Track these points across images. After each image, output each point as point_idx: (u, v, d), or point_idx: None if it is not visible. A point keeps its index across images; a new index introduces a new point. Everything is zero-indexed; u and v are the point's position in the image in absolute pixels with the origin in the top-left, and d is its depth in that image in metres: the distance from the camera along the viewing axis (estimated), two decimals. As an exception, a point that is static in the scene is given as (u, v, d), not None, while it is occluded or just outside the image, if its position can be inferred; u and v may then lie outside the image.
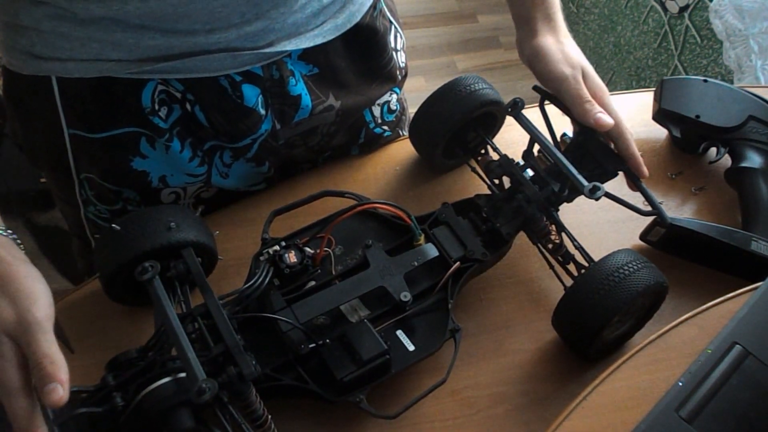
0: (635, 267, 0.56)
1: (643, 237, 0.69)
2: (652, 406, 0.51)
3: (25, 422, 0.44)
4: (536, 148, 0.67)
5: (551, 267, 0.64)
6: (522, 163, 0.67)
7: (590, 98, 0.65)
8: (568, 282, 0.60)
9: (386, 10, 0.78)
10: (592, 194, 0.60)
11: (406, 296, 0.58)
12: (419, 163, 0.77)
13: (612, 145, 0.68)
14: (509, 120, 0.71)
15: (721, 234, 0.65)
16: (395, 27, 0.80)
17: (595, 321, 0.56)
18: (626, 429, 0.50)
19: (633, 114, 0.82)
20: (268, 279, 0.57)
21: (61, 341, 0.50)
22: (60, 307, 0.65)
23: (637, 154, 0.66)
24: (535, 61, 0.69)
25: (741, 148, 0.73)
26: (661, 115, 0.77)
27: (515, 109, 0.67)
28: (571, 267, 0.63)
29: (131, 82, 0.63)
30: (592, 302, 0.56)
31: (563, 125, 0.72)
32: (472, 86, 0.69)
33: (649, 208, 0.65)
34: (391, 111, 0.83)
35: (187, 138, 0.68)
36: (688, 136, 0.76)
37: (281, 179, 0.77)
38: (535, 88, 0.71)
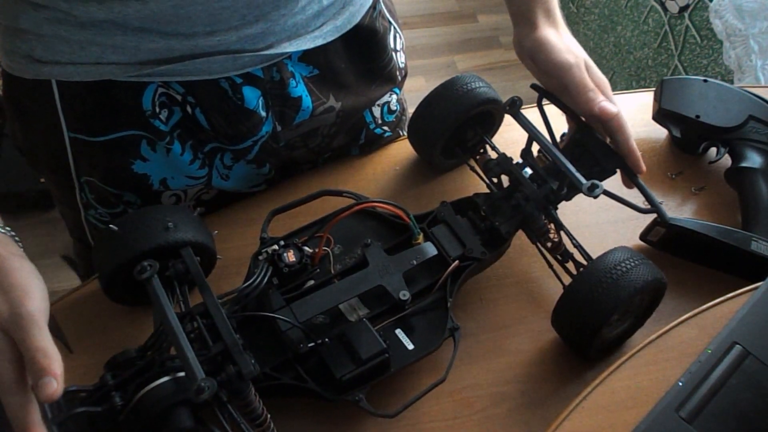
0: (632, 264, 0.56)
1: (643, 237, 0.69)
2: (652, 406, 0.51)
3: (21, 417, 0.44)
4: (535, 148, 0.67)
5: (550, 266, 0.64)
6: (520, 161, 0.67)
7: (594, 87, 0.65)
8: (567, 281, 0.60)
9: (385, 10, 0.78)
10: (591, 192, 0.60)
11: (405, 295, 0.57)
12: (418, 163, 0.77)
13: (608, 141, 0.67)
14: (508, 120, 0.71)
15: (721, 234, 0.65)
16: (395, 27, 0.80)
17: (594, 319, 0.56)
18: (626, 429, 0.50)
19: (633, 114, 0.82)
20: (267, 278, 0.57)
21: (59, 340, 0.50)
22: (60, 307, 0.65)
23: (636, 149, 0.66)
24: (537, 52, 0.69)
25: (741, 148, 0.73)
26: (661, 115, 0.77)
27: (513, 107, 0.67)
28: (570, 266, 0.63)
29: (132, 85, 0.63)
30: (591, 300, 0.56)
31: (562, 125, 0.72)
32: (469, 85, 0.69)
33: (647, 207, 0.65)
34: (391, 111, 0.83)
35: (187, 140, 0.68)
36: (688, 136, 0.76)
37: (281, 180, 0.77)
38: (533, 86, 0.71)
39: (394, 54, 0.79)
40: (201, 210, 0.66)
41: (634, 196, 0.66)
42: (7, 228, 0.53)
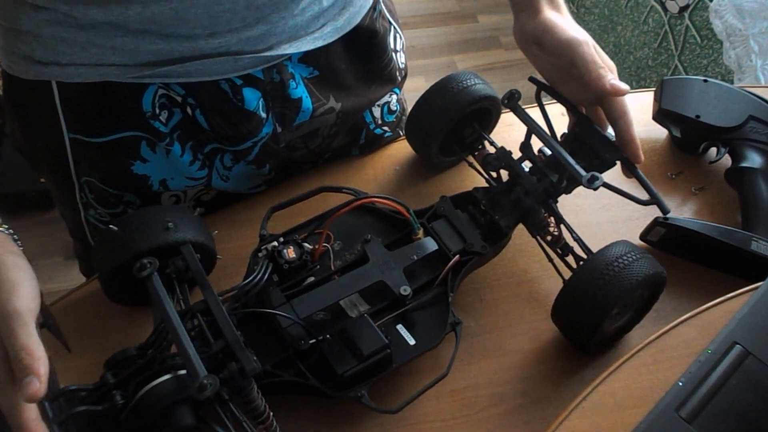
0: (633, 257, 0.56)
1: (643, 237, 0.69)
2: (652, 406, 0.51)
3: (16, 415, 0.44)
4: (534, 143, 0.67)
5: (550, 259, 0.64)
6: (519, 156, 0.67)
7: (603, 65, 0.64)
8: (567, 275, 0.60)
9: (386, 11, 0.78)
10: (591, 184, 0.60)
11: (405, 290, 0.57)
12: (417, 162, 0.77)
13: (608, 132, 0.67)
14: (504, 120, 0.71)
15: (721, 234, 0.65)
16: (395, 28, 0.80)
17: (595, 312, 0.56)
18: (626, 429, 0.50)
19: (633, 114, 0.82)
20: (267, 275, 0.56)
21: (57, 339, 0.50)
22: (60, 307, 0.65)
23: (636, 138, 0.64)
24: (543, 34, 0.67)
25: (741, 148, 0.73)
26: (661, 115, 0.77)
27: (512, 100, 0.66)
28: (570, 260, 0.63)
29: (132, 86, 0.63)
30: (591, 293, 0.56)
31: (560, 125, 0.72)
32: (465, 82, 0.69)
33: (647, 199, 0.64)
34: (391, 112, 0.83)
35: (187, 141, 0.68)
36: (688, 136, 0.76)
37: (281, 180, 0.77)
38: (531, 78, 0.70)
39: (394, 54, 0.79)
40: (201, 210, 0.67)
41: (635, 189, 0.66)
42: (5, 226, 0.53)
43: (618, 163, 0.66)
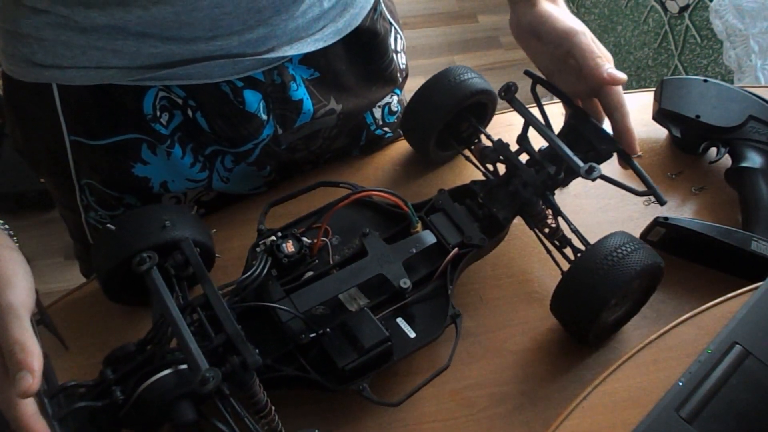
0: (631, 248, 0.56)
1: (643, 237, 0.69)
2: (652, 406, 0.50)
3: (13, 410, 0.44)
4: (531, 135, 0.67)
5: (548, 251, 0.64)
6: (516, 148, 0.67)
7: (601, 54, 0.64)
8: (566, 268, 0.60)
9: (386, 12, 0.78)
10: (589, 175, 0.60)
11: (405, 283, 0.57)
12: (416, 158, 0.77)
13: (604, 124, 0.67)
14: (504, 120, 0.70)
15: (721, 234, 0.65)
16: (395, 29, 0.80)
17: (594, 303, 0.56)
18: (626, 429, 0.50)
19: (633, 114, 0.81)
20: (266, 269, 0.56)
21: (54, 336, 0.50)
22: (59, 307, 0.65)
23: (632, 128, 0.64)
24: (539, 24, 0.67)
25: (741, 148, 0.73)
26: (661, 115, 0.77)
27: (509, 93, 0.66)
28: (568, 251, 0.63)
29: (132, 88, 0.63)
30: (590, 284, 0.56)
31: (557, 125, 0.72)
32: (461, 76, 0.69)
33: (644, 189, 0.64)
34: (392, 112, 0.83)
35: (188, 144, 0.68)
36: (688, 136, 0.76)
37: (281, 181, 0.77)
38: (527, 72, 0.70)
39: (394, 55, 0.79)
40: (200, 212, 0.66)
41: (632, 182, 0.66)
42: (1, 221, 0.53)
43: (615, 155, 0.66)
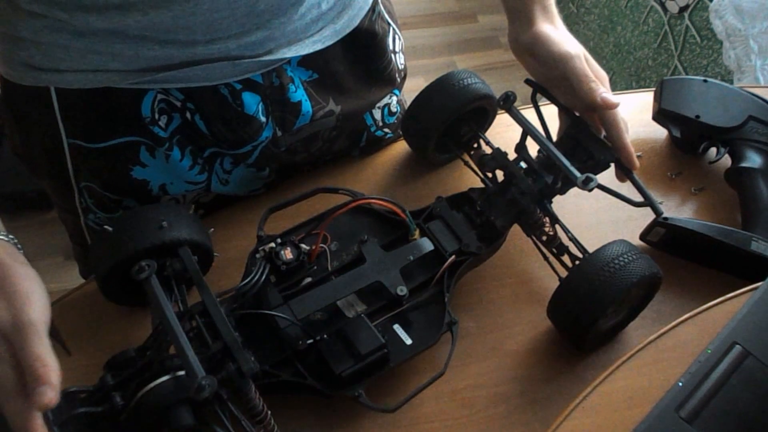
0: (630, 258, 0.56)
1: (643, 237, 0.69)
2: (652, 406, 0.50)
3: (22, 422, 0.44)
4: (529, 144, 0.67)
5: (546, 259, 0.64)
6: (515, 156, 0.67)
7: (595, 78, 0.65)
8: (564, 275, 0.60)
9: (384, 12, 0.78)
10: (586, 185, 0.60)
11: (402, 290, 0.58)
12: (415, 162, 0.77)
13: (603, 135, 0.67)
14: (504, 120, 0.71)
15: (721, 234, 0.65)
16: (393, 29, 0.80)
17: (590, 311, 0.56)
18: (626, 429, 0.50)
19: (633, 114, 0.82)
20: (264, 276, 0.57)
21: (57, 343, 0.50)
22: (58, 308, 0.65)
23: (629, 145, 0.65)
24: (536, 47, 0.68)
25: (741, 148, 0.73)
26: (661, 115, 0.77)
27: (507, 102, 0.67)
28: (566, 259, 0.63)
29: (131, 92, 0.63)
30: (588, 293, 0.56)
31: (557, 127, 0.72)
32: (464, 81, 0.69)
33: (641, 201, 0.65)
34: (391, 113, 0.83)
35: (187, 146, 0.68)
36: (688, 136, 0.76)
37: (280, 182, 0.77)
38: (527, 81, 0.71)
39: (393, 56, 0.79)
40: (200, 213, 0.66)
41: (630, 192, 0.66)
42: (11, 236, 0.53)
43: (612, 165, 0.67)
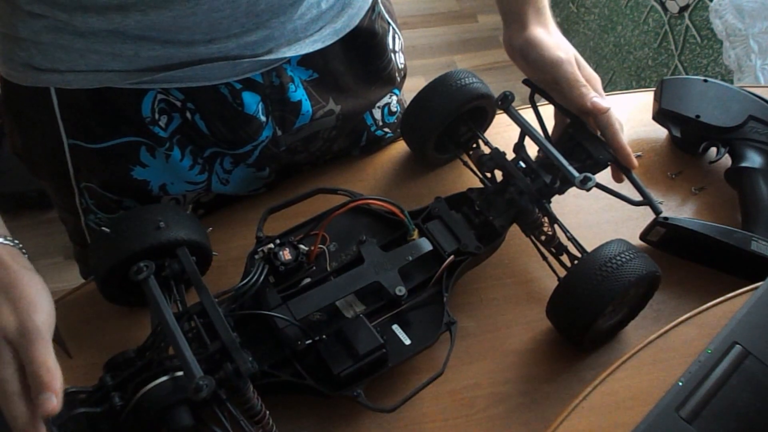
0: (628, 257, 0.56)
1: (643, 237, 0.69)
2: (652, 406, 0.50)
3: (24, 425, 0.45)
4: (528, 143, 0.67)
5: (544, 258, 0.64)
6: (513, 156, 0.67)
7: (586, 83, 0.66)
8: (563, 274, 0.60)
9: (384, 12, 0.78)
10: (584, 185, 0.61)
11: (401, 291, 0.58)
12: (414, 162, 0.77)
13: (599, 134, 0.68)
14: (504, 120, 0.71)
15: (721, 234, 0.65)
16: (393, 28, 0.80)
17: (589, 311, 0.56)
18: (626, 429, 0.50)
19: (633, 114, 0.82)
20: (263, 276, 0.57)
21: (58, 345, 0.51)
22: (58, 308, 0.65)
23: (626, 145, 0.66)
24: (528, 50, 0.69)
25: (741, 148, 0.73)
26: (661, 115, 0.77)
27: (505, 102, 0.67)
28: (565, 259, 0.63)
29: (131, 92, 0.63)
30: (586, 292, 0.56)
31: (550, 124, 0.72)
32: (462, 81, 0.69)
33: (640, 200, 0.65)
34: (391, 113, 0.83)
35: (187, 146, 0.68)
36: (688, 136, 0.76)
37: (280, 182, 0.77)
38: (525, 81, 0.71)
39: (393, 55, 0.79)
40: (200, 212, 0.66)
41: (629, 191, 0.66)
42: (16, 241, 0.54)
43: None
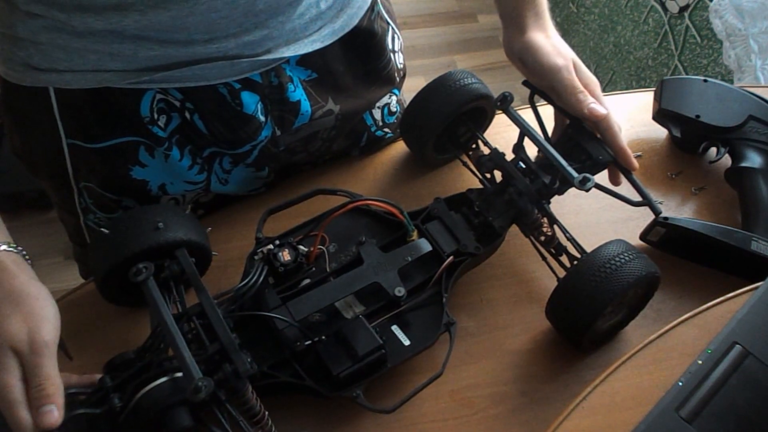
0: (627, 258, 0.56)
1: (643, 237, 0.69)
2: (652, 406, 0.50)
3: (29, 431, 0.46)
4: (527, 144, 0.67)
5: (544, 259, 0.64)
6: (513, 157, 0.67)
7: (583, 89, 0.66)
8: (562, 274, 0.60)
9: (383, 11, 0.78)
10: (583, 185, 0.61)
11: (400, 291, 0.58)
12: (413, 162, 0.77)
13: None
14: (503, 120, 0.71)
15: (721, 234, 0.65)
16: (393, 28, 0.80)
17: (588, 312, 0.56)
18: (626, 429, 0.50)
19: (633, 114, 0.82)
20: (262, 277, 0.57)
21: (60, 349, 0.51)
22: (59, 308, 0.65)
23: (626, 147, 0.66)
24: (526, 55, 0.70)
25: (741, 148, 0.73)
26: (661, 115, 0.77)
27: (504, 103, 0.67)
28: (564, 259, 0.63)
29: (130, 91, 0.63)
30: (585, 293, 0.56)
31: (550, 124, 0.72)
32: (462, 81, 0.69)
33: (640, 200, 0.65)
34: (391, 113, 0.83)
35: (186, 146, 0.68)
36: (688, 136, 0.76)
37: (280, 182, 0.77)
38: (525, 83, 0.71)
39: (392, 55, 0.79)
40: (199, 213, 0.66)
41: (629, 191, 0.66)
42: (20, 248, 0.54)
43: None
